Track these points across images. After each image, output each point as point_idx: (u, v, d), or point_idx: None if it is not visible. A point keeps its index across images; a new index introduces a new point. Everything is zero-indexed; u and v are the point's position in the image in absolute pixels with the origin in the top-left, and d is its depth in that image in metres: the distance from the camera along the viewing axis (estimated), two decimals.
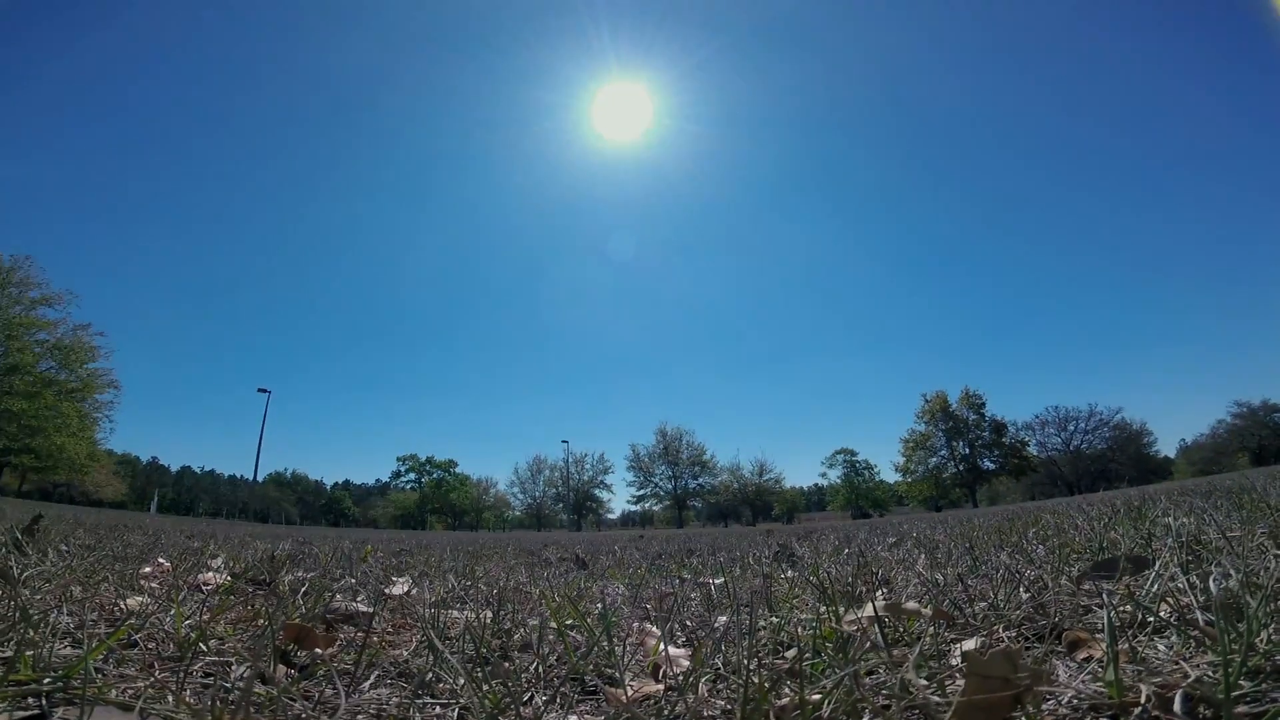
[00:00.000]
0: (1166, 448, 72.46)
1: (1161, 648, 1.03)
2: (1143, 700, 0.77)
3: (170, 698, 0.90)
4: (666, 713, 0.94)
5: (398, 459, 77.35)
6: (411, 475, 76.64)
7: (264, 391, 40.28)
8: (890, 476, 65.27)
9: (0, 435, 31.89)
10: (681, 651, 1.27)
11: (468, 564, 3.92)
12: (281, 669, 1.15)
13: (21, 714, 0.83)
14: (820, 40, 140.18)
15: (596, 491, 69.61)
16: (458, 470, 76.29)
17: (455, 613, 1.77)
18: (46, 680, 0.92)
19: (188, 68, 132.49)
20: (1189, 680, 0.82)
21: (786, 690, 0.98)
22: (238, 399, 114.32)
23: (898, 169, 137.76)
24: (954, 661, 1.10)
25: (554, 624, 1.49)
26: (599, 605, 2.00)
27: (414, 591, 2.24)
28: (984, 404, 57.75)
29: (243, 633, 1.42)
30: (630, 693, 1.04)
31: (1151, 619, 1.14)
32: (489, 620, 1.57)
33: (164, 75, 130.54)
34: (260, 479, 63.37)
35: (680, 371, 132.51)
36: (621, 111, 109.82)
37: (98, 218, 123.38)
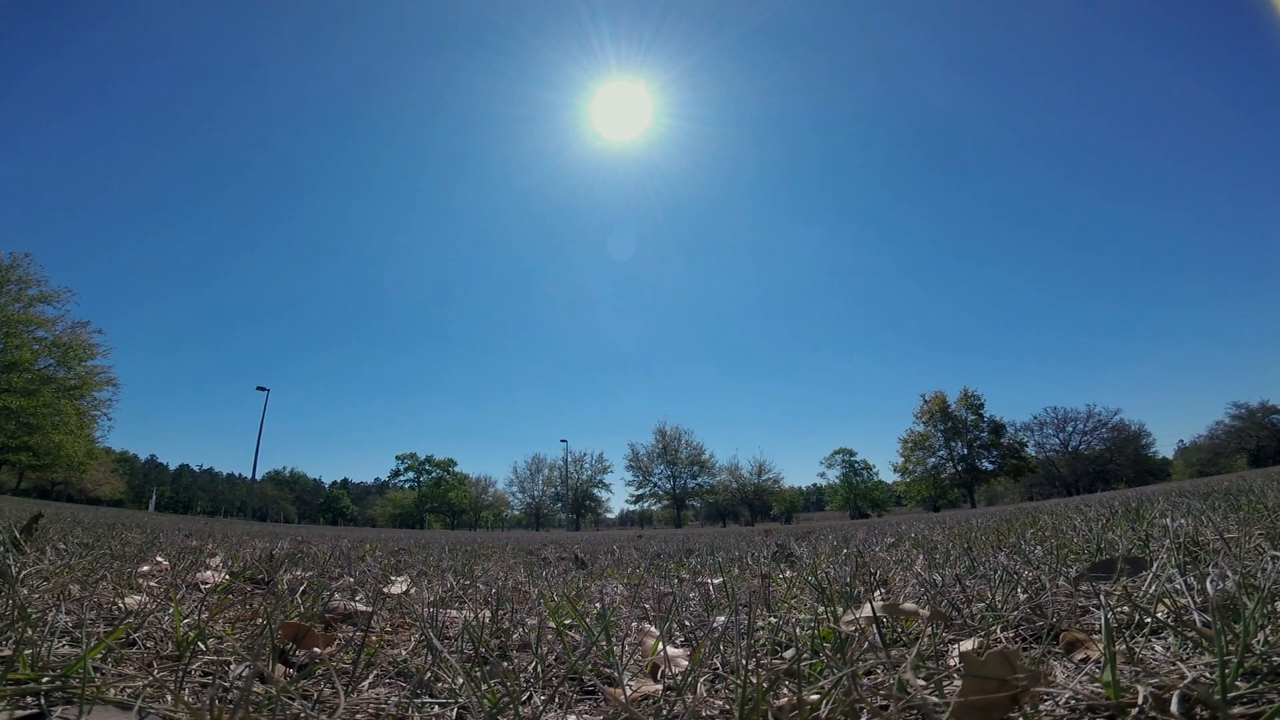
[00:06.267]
0: (1165, 449, 72.78)
1: (1159, 649, 1.03)
2: (1140, 701, 0.77)
3: (169, 697, 0.90)
4: (665, 713, 0.94)
5: (396, 458, 77.34)
6: (410, 474, 76.59)
7: (263, 390, 40.15)
8: (889, 477, 65.30)
9: None
10: (680, 651, 1.27)
11: (466, 563, 3.92)
12: (280, 668, 1.15)
13: (20, 713, 0.83)
14: (820, 38, 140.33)
15: (595, 491, 69.52)
16: (456, 469, 76.26)
17: (454, 612, 1.77)
18: (45, 679, 0.92)
19: (184, 67, 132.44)
20: (1186, 681, 0.82)
21: (784, 690, 0.98)
22: (236, 397, 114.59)
23: (898, 168, 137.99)
24: (952, 662, 1.10)
25: (552, 623, 1.50)
26: (597, 605, 2.00)
27: (412, 591, 2.24)
28: (982, 405, 57.75)
29: (241, 632, 1.42)
30: (629, 692, 1.04)
31: (1149, 620, 1.14)
32: (487, 620, 1.57)
33: (161, 75, 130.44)
34: (259, 477, 63.31)
35: (679, 371, 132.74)
36: (621, 111, 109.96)
37: (96, 216, 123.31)
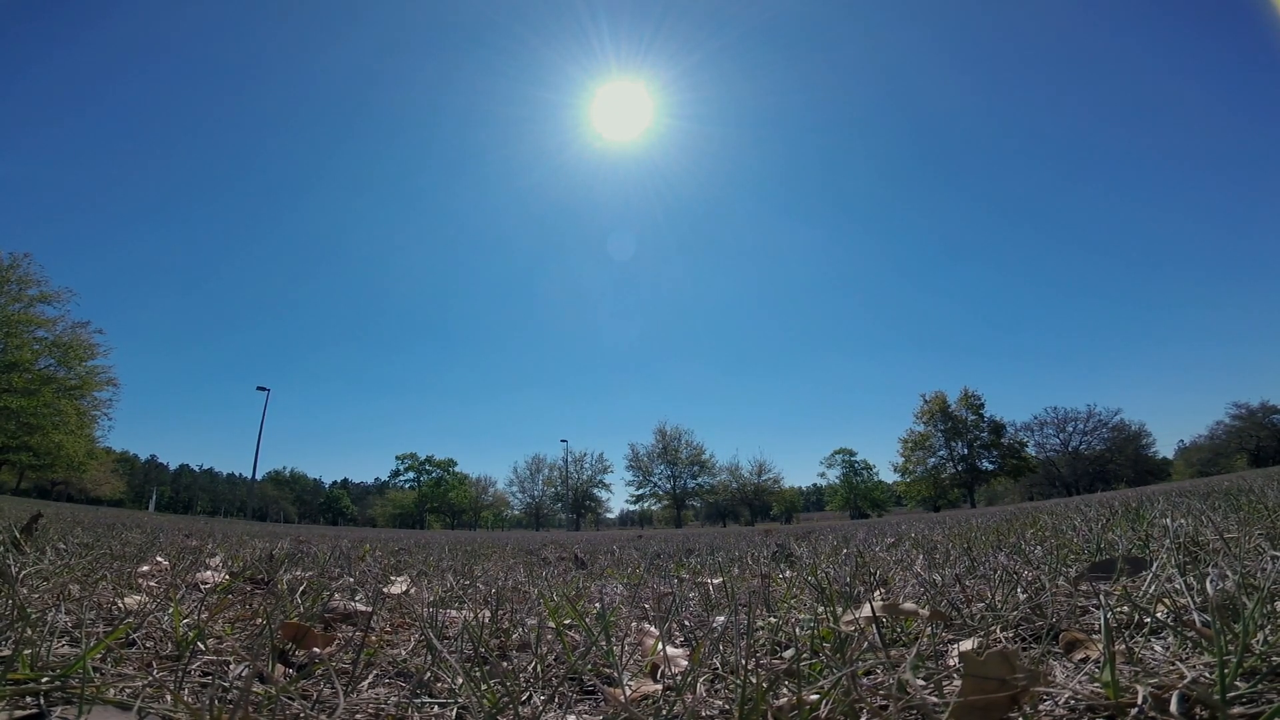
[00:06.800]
0: (1165, 449, 72.75)
1: (1158, 648, 1.03)
2: (1139, 701, 0.77)
3: (168, 697, 0.90)
4: (665, 713, 0.94)
5: (396, 458, 77.38)
6: (410, 474, 76.60)
7: (263, 390, 40.14)
8: (889, 477, 65.26)
9: None
10: (680, 651, 1.27)
11: (466, 563, 3.92)
12: (280, 668, 1.15)
13: (20, 713, 0.83)
14: (821, 38, 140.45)
15: (595, 491, 69.52)
16: (456, 469, 76.27)
17: (453, 612, 1.77)
18: (45, 679, 0.92)
19: (185, 67, 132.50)
20: (1185, 681, 0.82)
21: (784, 690, 0.98)
22: (236, 397, 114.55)
23: (898, 168, 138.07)
24: (951, 662, 1.10)
25: (552, 623, 1.50)
26: (597, 605, 2.00)
27: (412, 591, 2.24)
28: (983, 404, 57.73)
29: (241, 632, 1.42)
30: (628, 692, 1.04)
31: (1148, 620, 1.14)
32: (487, 620, 1.57)
33: (161, 75, 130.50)
34: (259, 477, 63.29)
35: (679, 371, 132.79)
36: (621, 111, 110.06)
37: (96, 216, 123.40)
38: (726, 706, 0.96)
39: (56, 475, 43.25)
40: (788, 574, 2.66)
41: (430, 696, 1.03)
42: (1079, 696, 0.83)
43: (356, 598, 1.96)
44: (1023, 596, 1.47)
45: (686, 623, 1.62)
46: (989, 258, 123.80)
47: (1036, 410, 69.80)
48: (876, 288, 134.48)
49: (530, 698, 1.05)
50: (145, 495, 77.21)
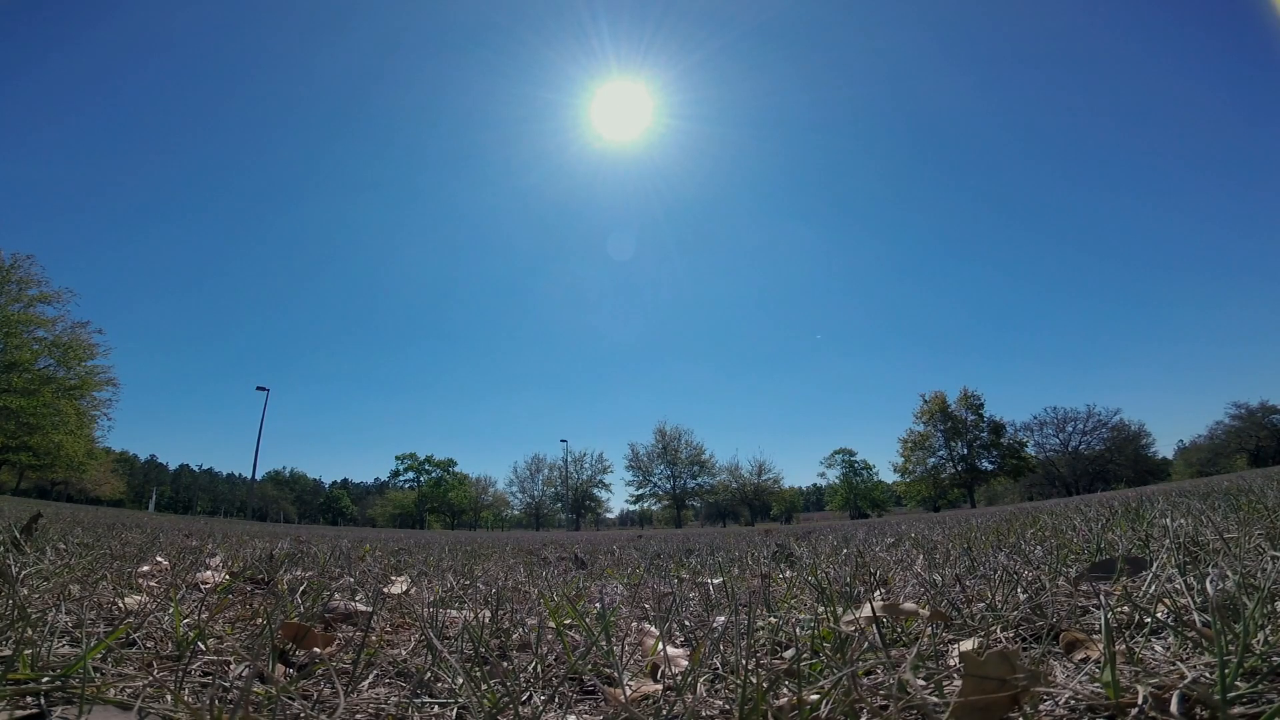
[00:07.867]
0: (1164, 449, 72.91)
1: (1159, 649, 1.03)
2: (1140, 701, 0.77)
3: (169, 697, 0.90)
4: (665, 712, 0.94)
5: (396, 458, 77.32)
6: (410, 474, 76.58)
7: (262, 390, 40.14)
8: (889, 477, 65.23)
9: None
10: (680, 651, 1.27)
11: (466, 563, 3.92)
12: (280, 668, 1.15)
13: (20, 713, 0.83)
14: (821, 37, 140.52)
15: (595, 491, 69.50)
16: (456, 469, 76.25)
17: (454, 612, 1.77)
18: (45, 679, 0.92)
19: (184, 67, 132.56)
20: (1186, 681, 0.82)
21: (784, 690, 0.98)
22: (236, 397, 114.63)
23: (898, 168, 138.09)
24: (952, 662, 1.10)
25: (552, 623, 1.50)
26: (597, 605, 2.00)
27: (412, 591, 2.24)
28: (982, 404, 57.75)
29: (241, 632, 1.42)
30: (629, 692, 1.04)
31: (1149, 620, 1.14)
32: (487, 620, 1.57)
33: (161, 74, 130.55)
34: (258, 477, 63.26)
35: (679, 371, 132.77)
36: (621, 110, 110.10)
37: (96, 216, 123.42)
38: (727, 706, 0.96)
39: (56, 475, 43.29)
40: (788, 574, 2.66)
41: (430, 696, 1.03)
42: (1079, 696, 0.83)
43: (356, 598, 1.96)
44: (1023, 596, 1.47)
45: (687, 623, 1.62)
46: (989, 257, 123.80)
47: (1036, 410, 69.91)
48: (876, 287, 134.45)
49: (530, 698, 1.05)
50: (145, 495, 77.24)
